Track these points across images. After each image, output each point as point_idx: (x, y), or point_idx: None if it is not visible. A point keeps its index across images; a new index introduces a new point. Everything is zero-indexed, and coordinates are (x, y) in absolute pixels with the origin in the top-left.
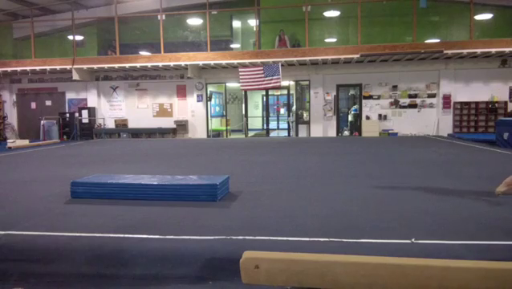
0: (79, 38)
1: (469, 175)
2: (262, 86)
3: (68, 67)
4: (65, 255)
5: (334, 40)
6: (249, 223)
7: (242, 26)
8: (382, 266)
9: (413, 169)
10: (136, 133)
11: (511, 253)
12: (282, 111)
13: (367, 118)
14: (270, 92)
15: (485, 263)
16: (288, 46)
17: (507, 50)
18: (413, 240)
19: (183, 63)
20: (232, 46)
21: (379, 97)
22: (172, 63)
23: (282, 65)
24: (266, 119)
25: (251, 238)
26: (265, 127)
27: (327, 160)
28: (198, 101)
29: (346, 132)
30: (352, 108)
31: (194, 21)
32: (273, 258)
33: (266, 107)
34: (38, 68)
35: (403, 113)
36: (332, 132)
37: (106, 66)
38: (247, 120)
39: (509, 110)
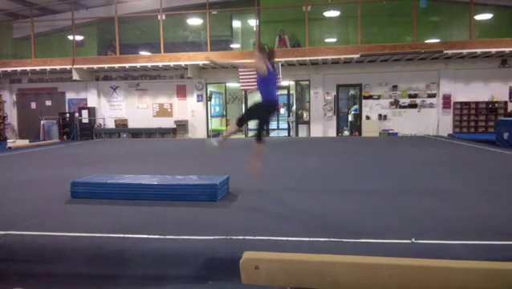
0: (79, 38)
1: (469, 175)
2: None
3: (68, 67)
4: (65, 255)
5: (334, 40)
6: (249, 223)
7: (242, 26)
8: (382, 267)
9: (413, 169)
10: (136, 133)
11: (511, 253)
12: (282, 111)
13: (367, 118)
14: None
15: (485, 264)
16: (288, 46)
17: (507, 50)
18: (413, 240)
19: (183, 63)
20: (232, 46)
21: (379, 97)
22: (172, 63)
23: (282, 65)
24: None
25: (251, 238)
26: (265, 127)
27: (327, 160)
28: (198, 101)
29: (346, 132)
30: (352, 108)
31: (194, 21)
32: (273, 258)
33: None
34: (38, 68)
35: (403, 113)
36: (332, 132)
37: (106, 66)
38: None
39: (509, 110)
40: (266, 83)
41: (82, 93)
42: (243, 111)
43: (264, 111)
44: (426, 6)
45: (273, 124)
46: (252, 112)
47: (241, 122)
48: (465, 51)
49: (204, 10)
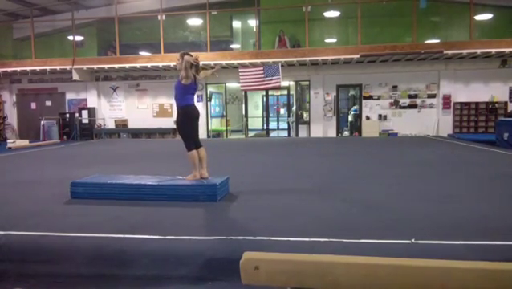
0: (79, 38)
1: (469, 175)
2: (262, 86)
3: (68, 67)
4: (65, 255)
5: (334, 40)
6: (249, 223)
7: (242, 27)
8: (382, 267)
9: (413, 169)
10: (136, 133)
11: (511, 253)
12: (282, 111)
13: (367, 118)
14: (270, 92)
15: (485, 264)
16: (288, 47)
17: (507, 50)
18: (413, 240)
19: None
20: (232, 46)
21: (379, 97)
22: (172, 64)
23: (282, 65)
24: (266, 119)
25: (251, 238)
26: (265, 127)
27: (326, 161)
28: (198, 101)
29: (346, 133)
30: (352, 109)
31: (194, 21)
32: (273, 258)
33: (266, 108)
34: (38, 68)
35: (403, 113)
36: (332, 133)
37: (106, 66)
38: (247, 121)
39: (509, 110)
40: (186, 90)
41: (82, 93)
42: (182, 136)
43: (194, 119)
44: (426, 7)
45: (273, 125)
46: (187, 129)
47: (191, 144)
48: (464, 52)
49: (204, 11)
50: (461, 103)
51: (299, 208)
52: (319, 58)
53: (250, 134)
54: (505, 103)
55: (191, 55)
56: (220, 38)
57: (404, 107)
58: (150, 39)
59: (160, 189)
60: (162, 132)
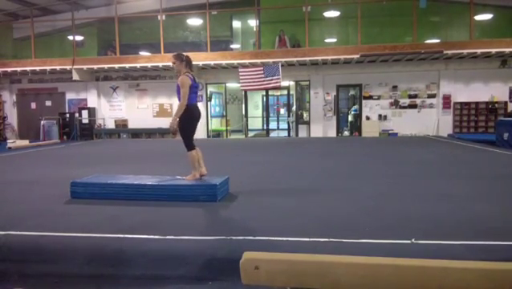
0: (79, 38)
1: (469, 175)
2: (262, 86)
3: (68, 67)
4: (65, 255)
5: (334, 40)
6: (249, 223)
7: (242, 27)
8: (382, 267)
9: (413, 169)
10: (136, 133)
11: (511, 253)
12: (282, 111)
13: (367, 118)
14: (270, 92)
15: (485, 264)
16: (288, 47)
17: (507, 50)
18: (413, 240)
19: None
20: (232, 46)
21: (379, 97)
22: (172, 63)
23: (282, 65)
24: (266, 119)
25: (251, 238)
26: (265, 127)
27: (326, 161)
28: (198, 101)
29: (346, 133)
30: (352, 108)
31: (194, 21)
32: (273, 258)
33: (266, 108)
34: (38, 68)
35: (403, 113)
36: (332, 133)
37: (106, 66)
38: (247, 121)
39: (509, 110)
40: (189, 90)
41: (82, 93)
42: (183, 136)
43: (195, 119)
44: (426, 7)
45: (273, 125)
46: (188, 129)
47: (191, 143)
48: (465, 52)
49: (204, 11)
50: (461, 103)
51: (299, 208)
52: (319, 58)
53: (250, 134)
54: (505, 103)
55: (184, 55)
56: (220, 38)
57: (404, 107)
58: (150, 39)
59: (160, 189)
60: (162, 132)
